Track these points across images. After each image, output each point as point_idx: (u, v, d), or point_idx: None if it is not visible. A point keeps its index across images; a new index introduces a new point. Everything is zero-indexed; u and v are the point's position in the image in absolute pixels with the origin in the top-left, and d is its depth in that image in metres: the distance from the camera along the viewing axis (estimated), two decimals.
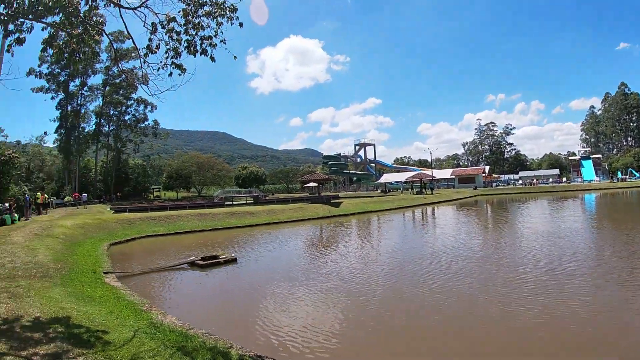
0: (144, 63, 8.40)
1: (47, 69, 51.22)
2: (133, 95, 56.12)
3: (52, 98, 53.03)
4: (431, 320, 8.46)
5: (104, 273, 12.41)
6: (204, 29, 8.57)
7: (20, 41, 8.58)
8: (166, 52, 8.61)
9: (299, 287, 11.21)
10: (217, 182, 68.40)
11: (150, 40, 8.59)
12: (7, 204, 22.70)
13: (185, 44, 8.52)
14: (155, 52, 8.67)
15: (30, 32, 8.54)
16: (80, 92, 54.43)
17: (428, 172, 67.83)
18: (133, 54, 54.26)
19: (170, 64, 8.57)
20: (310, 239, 22.89)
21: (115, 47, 53.35)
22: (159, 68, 8.62)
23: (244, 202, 47.73)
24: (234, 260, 15.15)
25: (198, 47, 8.47)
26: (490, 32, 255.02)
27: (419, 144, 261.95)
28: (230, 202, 45.83)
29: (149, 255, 18.51)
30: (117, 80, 54.37)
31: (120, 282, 11.58)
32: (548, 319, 7.98)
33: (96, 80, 55.96)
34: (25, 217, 24.29)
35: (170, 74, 8.61)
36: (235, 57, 8.60)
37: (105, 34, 8.71)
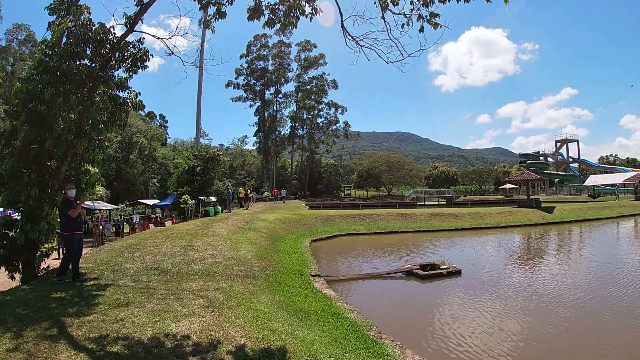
0: (384, 19, 6.74)
1: (244, 80, 59.04)
2: (324, 99, 59.37)
3: (250, 106, 61.11)
4: None
5: (312, 276, 11.51)
6: None
7: (221, 14, 7.75)
8: (411, 2, 6.70)
9: (558, 329, 7.81)
10: (407, 182, 67.14)
11: None
12: (212, 197, 25.31)
13: None
14: (397, 4, 6.83)
15: (231, 4, 7.56)
16: (275, 99, 61.00)
17: None
18: (320, 61, 58.88)
19: (417, 17, 6.64)
20: (539, 252, 18.25)
21: (303, 56, 57.90)
22: (403, 24, 6.77)
23: (437, 202, 44.84)
24: (457, 273, 12.51)
25: None
26: None
27: (622, 139, 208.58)
28: (422, 202, 43.72)
29: (353, 255, 17.56)
30: (308, 87, 58.48)
31: (330, 287, 10.33)
32: None
33: (289, 87, 61.52)
34: (228, 210, 26.75)
35: (421, 29, 6.60)
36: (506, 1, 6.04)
37: None
